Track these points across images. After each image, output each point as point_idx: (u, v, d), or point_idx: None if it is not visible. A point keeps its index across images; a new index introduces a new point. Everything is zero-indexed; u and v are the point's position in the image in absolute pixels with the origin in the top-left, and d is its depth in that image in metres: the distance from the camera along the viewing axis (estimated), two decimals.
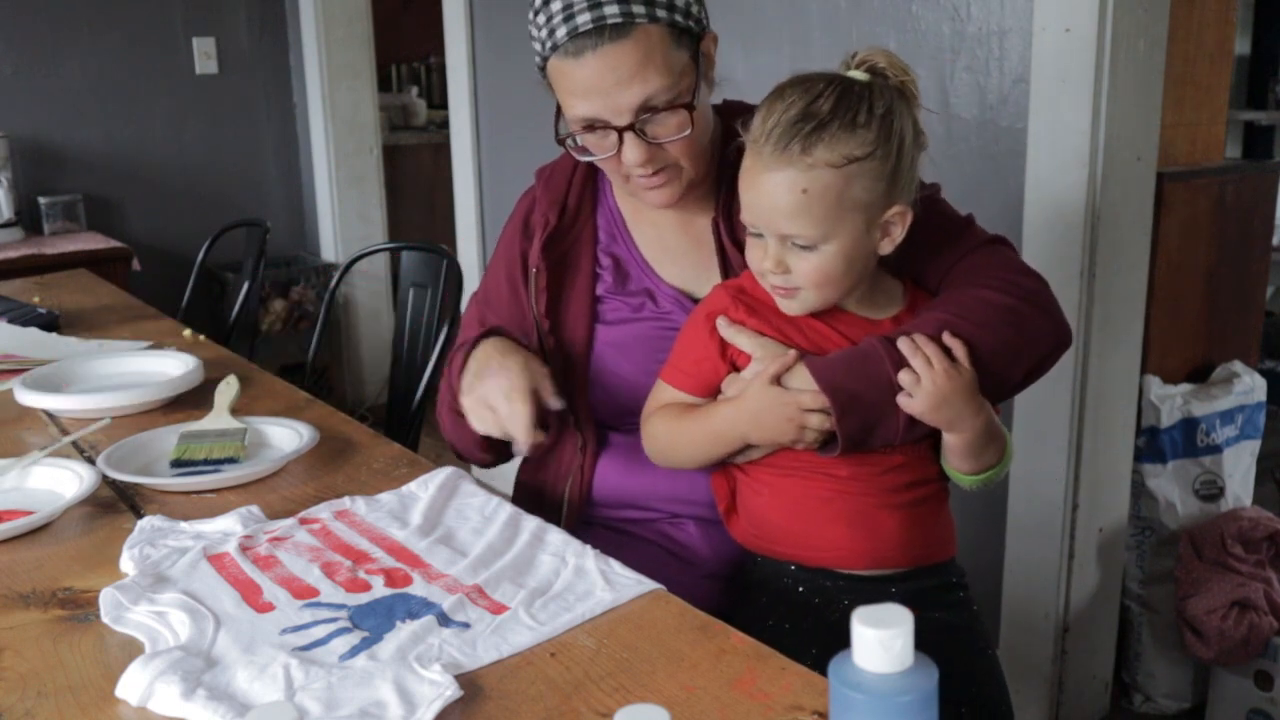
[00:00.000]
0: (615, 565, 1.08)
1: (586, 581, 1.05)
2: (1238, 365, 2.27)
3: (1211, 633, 2.04)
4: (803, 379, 1.15)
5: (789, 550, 1.23)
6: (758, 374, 1.16)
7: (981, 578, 2.05)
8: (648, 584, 1.04)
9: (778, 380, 1.15)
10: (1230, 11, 2.28)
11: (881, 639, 0.56)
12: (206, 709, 0.84)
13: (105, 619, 1.00)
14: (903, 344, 1.13)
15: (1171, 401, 2.14)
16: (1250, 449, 2.27)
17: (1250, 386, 2.24)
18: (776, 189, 1.12)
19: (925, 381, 1.11)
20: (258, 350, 3.91)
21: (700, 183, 1.34)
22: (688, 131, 1.25)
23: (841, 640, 1.18)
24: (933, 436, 1.20)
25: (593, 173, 1.43)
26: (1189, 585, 2.09)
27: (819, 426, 1.15)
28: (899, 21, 2.14)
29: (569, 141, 1.31)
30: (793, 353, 1.16)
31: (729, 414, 1.19)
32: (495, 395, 1.25)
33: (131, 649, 0.96)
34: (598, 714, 0.85)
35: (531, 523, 1.18)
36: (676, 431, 1.24)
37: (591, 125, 1.25)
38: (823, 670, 1.15)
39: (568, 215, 1.41)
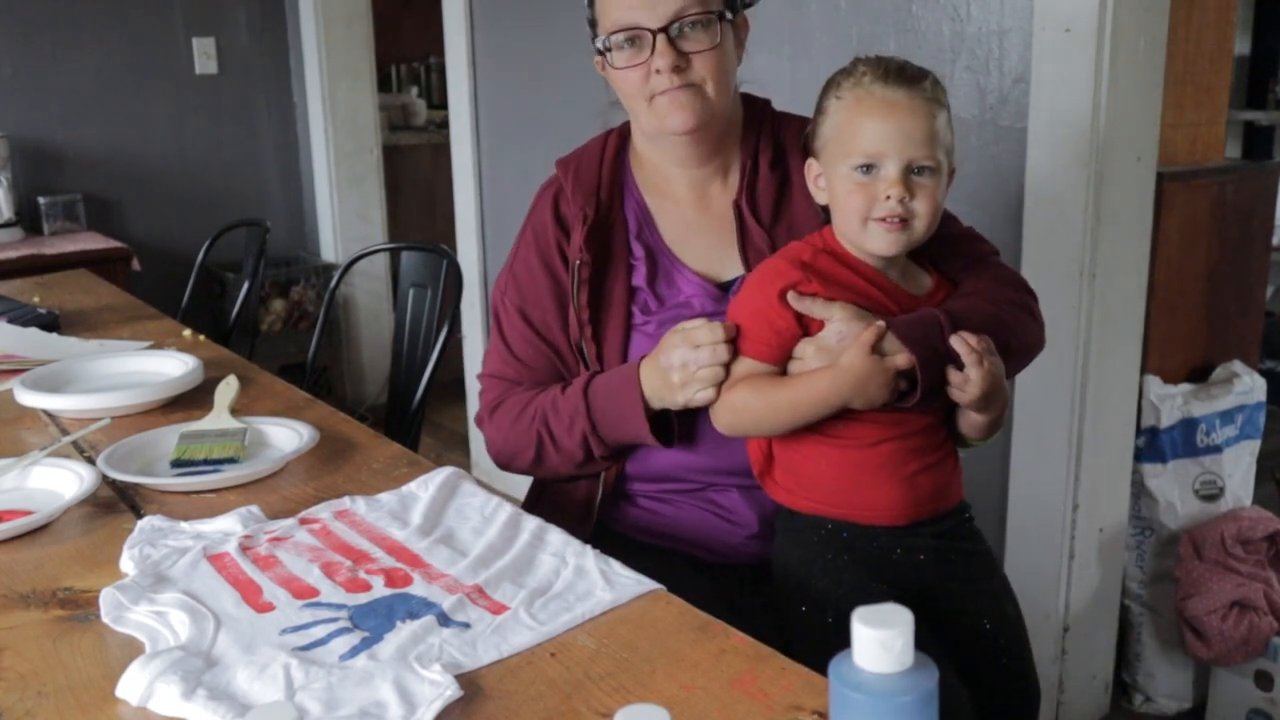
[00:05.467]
0: (615, 565, 1.08)
1: (587, 581, 1.05)
2: (1237, 365, 2.27)
3: (1212, 633, 2.04)
4: (890, 342, 1.22)
5: (838, 511, 1.30)
6: (857, 343, 1.22)
7: None
8: (648, 584, 1.04)
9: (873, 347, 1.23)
10: (1230, 11, 2.28)
11: (881, 639, 0.56)
12: (207, 709, 0.84)
13: (105, 619, 1.00)
14: (956, 341, 1.23)
15: (1171, 401, 2.14)
16: (1250, 449, 2.27)
17: (1250, 386, 2.24)
18: (914, 117, 1.23)
19: (975, 377, 1.23)
20: (257, 350, 3.91)
21: (718, 129, 1.40)
22: (716, 41, 1.33)
23: (877, 573, 1.26)
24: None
25: (619, 162, 1.48)
26: (1189, 585, 2.09)
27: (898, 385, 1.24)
28: (899, 21, 2.14)
29: (602, 52, 1.38)
30: (881, 322, 1.23)
31: (829, 381, 1.23)
32: (683, 344, 1.28)
33: (132, 649, 0.96)
34: (598, 714, 0.85)
35: (532, 523, 1.18)
36: (766, 402, 1.27)
37: (627, 33, 1.33)
38: (858, 601, 1.22)
39: (602, 206, 1.44)
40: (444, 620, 0.97)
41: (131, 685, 0.88)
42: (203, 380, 1.70)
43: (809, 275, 1.27)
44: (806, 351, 1.26)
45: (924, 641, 1.34)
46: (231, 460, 1.40)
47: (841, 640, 1.28)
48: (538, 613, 0.99)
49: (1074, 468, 2.03)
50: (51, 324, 2.11)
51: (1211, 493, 2.19)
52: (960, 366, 1.24)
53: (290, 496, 1.30)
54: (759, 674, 0.89)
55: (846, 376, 1.23)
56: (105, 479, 1.33)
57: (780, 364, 1.29)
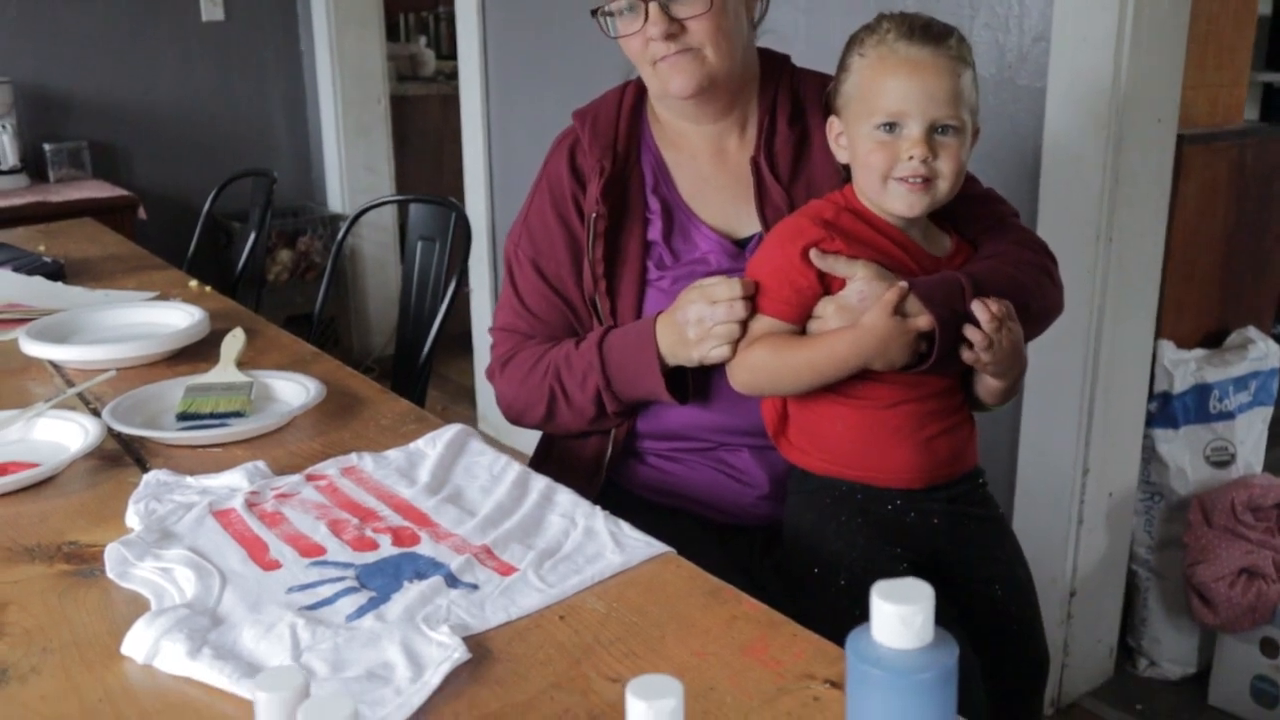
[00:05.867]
0: (625, 527, 1.07)
1: (596, 543, 1.04)
2: (1252, 331, 2.25)
3: (1219, 600, 2.04)
4: (912, 304, 1.21)
5: (854, 473, 1.29)
6: (880, 303, 1.21)
7: None
8: (658, 546, 1.03)
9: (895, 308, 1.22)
10: None
11: (902, 615, 0.55)
12: (213, 669, 0.83)
13: (110, 575, 0.99)
14: (977, 307, 1.21)
15: (1185, 367, 2.12)
16: (1263, 415, 2.26)
17: (1264, 353, 2.22)
18: (938, 75, 1.21)
19: (995, 344, 1.21)
20: (264, 301, 3.89)
21: (728, 87, 1.38)
22: (709, 6, 1.30)
23: (890, 537, 1.26)
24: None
25: (636, 115, 1.46)
26: (1197, 552, 2.08)
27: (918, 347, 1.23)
28: None
29: (601, 18, 1.36)
30: (904, 284, 1.21)
31: (852, 342, 1.22)
32: (700, 300, 1.27)
33: (137, 605, 0.95)
34: (607, 679, 0.84)
35: (540, 482, 1.17)
36: (786, 361, 1.26)
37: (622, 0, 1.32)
38: (871, 564, 1.24)
39: (619, 159, 1.42)
40: (452, 581, 0.96)
41: (137, 642, 0.87)
42: (209, 332, 1.68)
43: (831, 233, 1.25)
44: (827, 310, 1.25)
45: (936, 608, 1.34)
46: (238, 414, 1.39)
47: (854, 604, 1.29)
48: (546, 574, 0.98)
49: (1085, 432, 2.02)
50: (56, 273, 2.10)
51: (1223, 459, 2.18)
52: (980, 329, 1.23)
53: (297, 452, 1.29)
54: (770, 641, 0.88)
55: (868, 337, 1.21)
56: (111, 432, 1.31)
57: (800, 323, 1.28)
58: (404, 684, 0.82)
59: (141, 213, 3.54)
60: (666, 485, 1.47)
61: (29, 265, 2.09)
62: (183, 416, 1.39)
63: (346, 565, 1.00)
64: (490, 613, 0.92)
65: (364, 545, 1.03)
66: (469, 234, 2.16)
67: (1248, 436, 2.21)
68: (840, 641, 1.27)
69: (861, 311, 1.22)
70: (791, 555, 1.35)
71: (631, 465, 1.48)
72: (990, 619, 1.36)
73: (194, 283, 2.07)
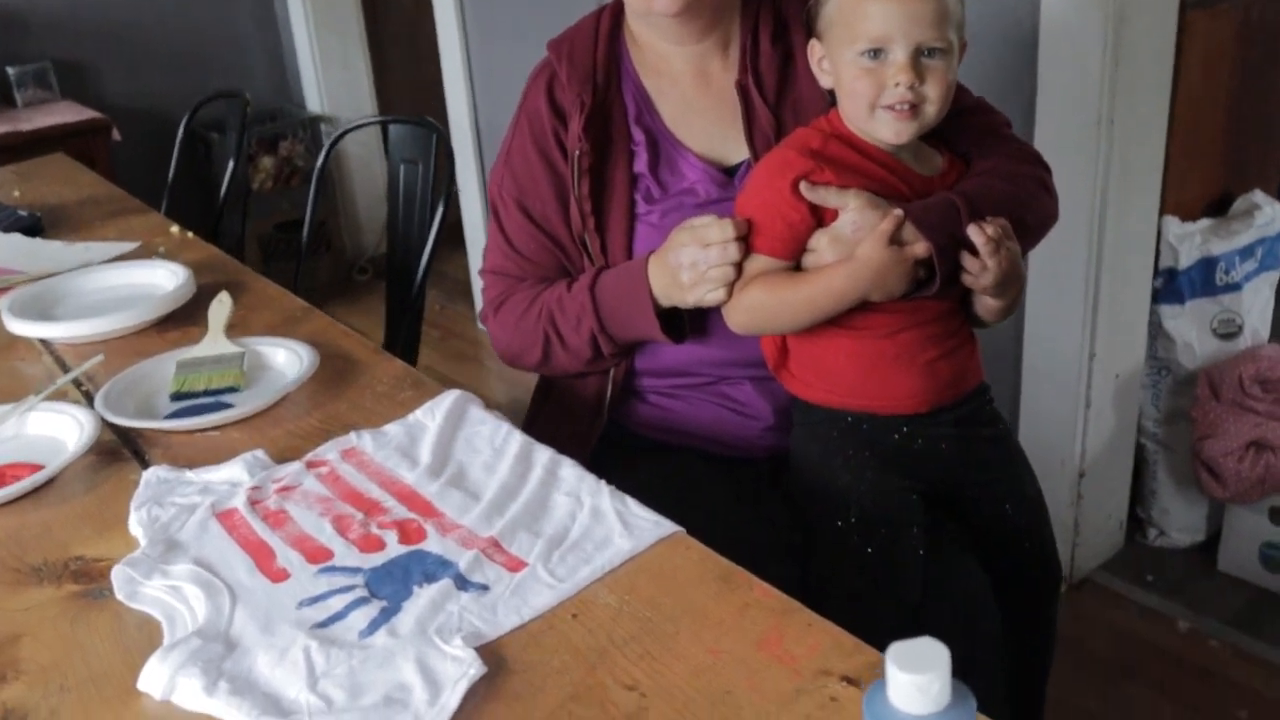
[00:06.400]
0: (631, 504, 1.05)
1: (604, 526, 1.03)
2: (1258, 195, 2.20)
3: (1228, 474, 2.04)
4: (907, 231, 1.18)
5: (858, 403, 1.28)
6: (874, 234, 1.18)
7: None
8: (666, 526, 1.02)
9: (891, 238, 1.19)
10: None
11: (918, 684, 0.54)
12: (230, 705, 0.83)
13: (119, 596, 0.99)
14: (972, 231, 1.18)
15: (1190, 241, 2.08)
16: (1269, 281, 2.23)
17: (1271, 217, 2.18)
18: None
19: (992, 265, 1.18)
20: (251, 212, 3.83)
21: (711, 3, 1.32)
22: None
23: (899, 469, 1.26)
24: None
25: (614, 41, 1.40)
26: (1206, 426, 2.08)
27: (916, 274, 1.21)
28: None
29: None
30: (899, 212, 1.18)
31: (848, 275, 1.20)
32: (692, 243, 1.23)
33: (150, 629, 0.95)
34: (624, 687, 0.84)
35: (544, 455, 1.15)
36: (783, 300, 1.23)
37: None
38: (881, 498, 1.25)
39: (599, 91, 1.37)
40: (462, 583, 0.96)
41: (153, 679, 0.87)
42: (195, 293, 1.65)
43: (820, 164, 1.21)
44: (821, 243, 1.22)
45: (945, 528, 1.34)
46: (232, 389, 1.37)
47: (865, 540, 1.29)
48: (556, 567, 0.97)
49: (1090, 318, 1.99)
50: (34, 227, 2.05)
51: (1230, 331, 2.15)
52: (976, 253, 1.20)
53: (294, 430, 1.28)
54: (784, 632, 0.88)
55: (864, 269, 1.18)
56: (105, 422, 1.30)
57: (794, 259, 1.24)
58: (422, 708, 0.82)
59: (116, 134, 3.45)
60: (669, 422, 1.46)
61: (6, 221, 2.04)
62: (177, 396, 1.37)
63: (355, 571, 0.99)
64: (503, 616, 0.92)
65: (370, 545, 1.03)
66: (451, 156, 2.10)
67: (1254, 304, 2.19)
68: (855, 585, 1.28)
69: (856, 243, 1.19)
70: (799, 490, 1.35)
71: (632, 404, 1.47)
72: (1001, 537, 1.37)
73: (175, 228, 2.03)
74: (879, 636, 1.28)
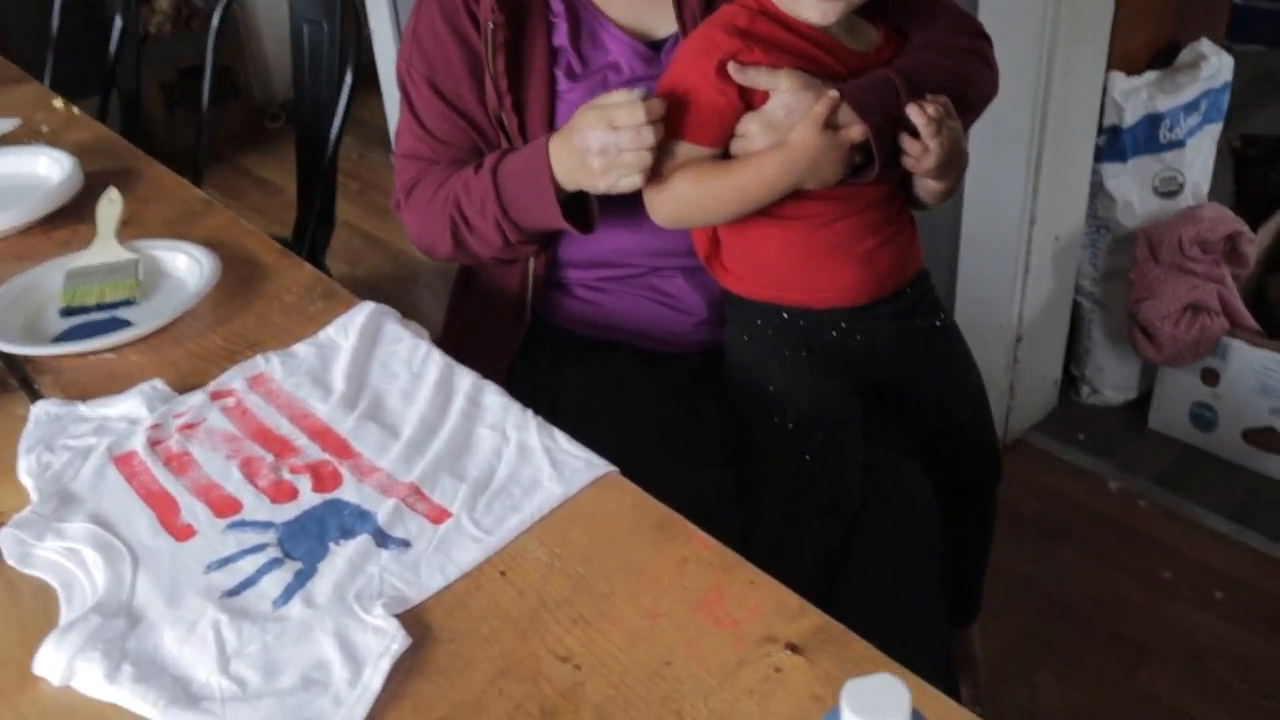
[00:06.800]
0: (561, 439, 0.99)
1: (532, 466, 0.97)
2: (1205, 45, 2.12)
3: (1164, 337, 2.03)
4: (843, 113, 1.11)
5: (794, 297, 1.22)
6: (808, 118, 1.10)
7: None
8: (597, 466, 0.96)
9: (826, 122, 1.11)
10: None
11: None
12: (135, 694, 0.78)
13: (10, 560, 0.92)
14: (912, 111, 1.10)
15: (1136, 97, 2.01)
16: (1212, 134, 2.17)
17: (1217, 68, 2.10)
18: None
19: (934, 147, 1.11)
20: (149, 56, 3.58)
21: None
22: None
23: (837, 369, 1.21)
24: None
25: None
26: (1143, 289, 2.06)
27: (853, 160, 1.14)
28: None
29: None
30: (834, 93, 1.10)
31: (781, 163, 1.12)
32: (600, 126, 1.12)
33: (46, 599, 0.89)
34: (557, 658, 0.80)
35: (465, 381, 1.08)
36: (711, 191, 1.15)
37: None
38: (820, 400, 1.20)
39: None
40: (381, 539, 0.90)
41: (49, 664, 0.81)
42: (83, 185, 1.52)
43: (748, 43, 1.12)
44: (751, 128, 1.14)
45: (885, 430, 1.31)
46: (127, 301, 1.28)
47: (803, 446, 1.25)
48: (482, 517, 0.92)
49: (1033, 183, 1.94)
50: None
51: (1171, 189, 2.11)
52: (915, 134, 1.12)
53: (196, 351, 1.19)
54: (725, 591, 0.83)
55: (798, 155, 1.11)
56: None
57: (722, 145, 1.16)
58: (343, 688, 0.78)
59: None
60: (597, 318, 1.39)
61: None
62: (67, 311, 1.27)
63: (266, 526, 0.92)
64: (426, 576, 0.87)
65: (282, 494, 0.96)
66: (358, 17, 1.94)
67: (1196, 160, 2.14)
68: (793, 491, 1.25)
69: (789, 127, 1.11)
70: (735, 393, 1.30)
71: (557, 298, 1.40)
72: (942, 430, 1.35)
73: (59, 102, 1.87)
74: (817, 547, 1.28)
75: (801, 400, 1.23)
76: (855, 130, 1.11)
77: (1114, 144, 2.05)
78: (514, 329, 1.38)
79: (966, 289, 2.08)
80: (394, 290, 3.08)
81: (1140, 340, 2.09)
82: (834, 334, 1.23)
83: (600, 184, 1.16)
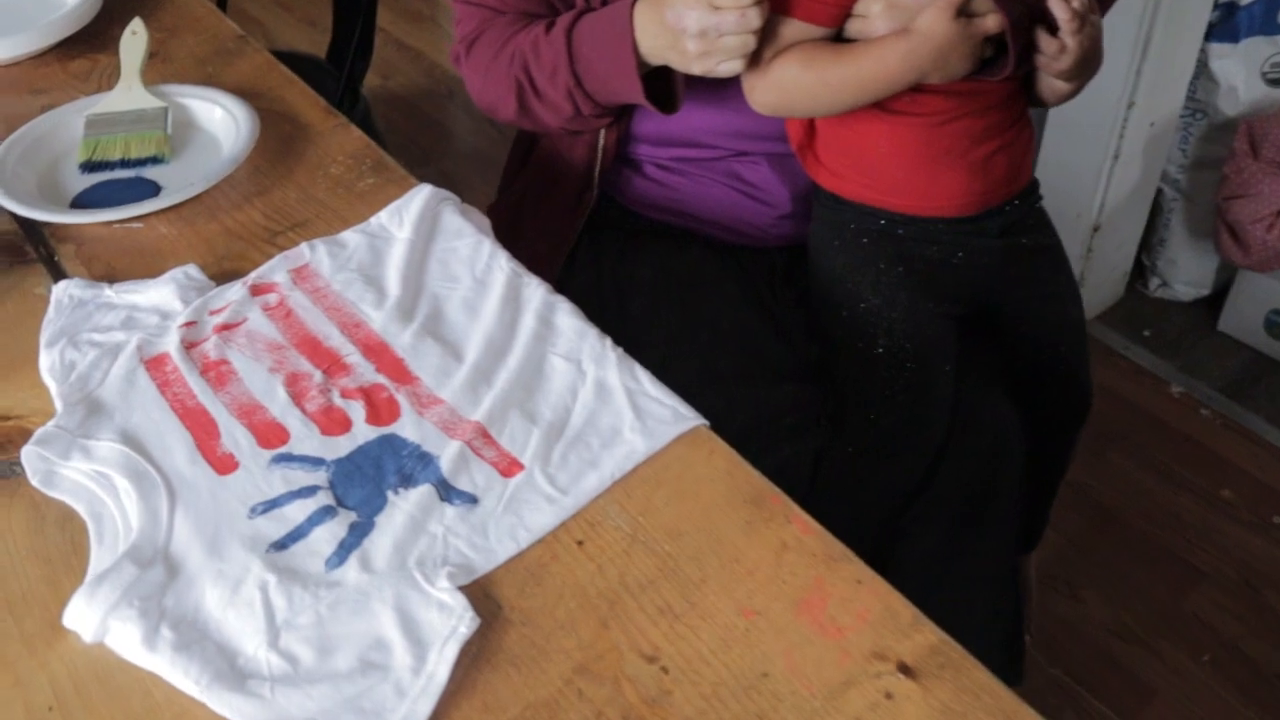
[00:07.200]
0: (644, 379, 0.89)
1: (611, 411, 0.86)
2: None
3: (1253, 241, 1.90)
4: (978, 1, 0.99)
5: (897, 201, 1.11)
6: (940, 3, 0.97)
7: None
8: (686, 418, 0.85)
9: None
10: None
11: None
12: (175, 666, 0.70)
13: (34, 481, 0.83)
14: (1055, 4, 0.97)
15: None
16: None
17: None
18: None
19: (1073, 45, 0.99)
20: None
21: None
22: None
23: (936, 290, 1.11)
24: None
25: None
26: (1237, 185, 1.91)
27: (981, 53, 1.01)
28: None
29: None
30: None
31: (905, 53, 0.99)
32: (699, 5, 0.98)
33: (73, 530, 0.80)
34: (642, 656, 0.71)
35: (535, 295, 0.96)
36: (823, 78, 1.03)
37: None
38: (914, 326, 1.10)
39: None
40: (445, 491, 0.81)
41: (80, 619, 0.73)
42: (101, 7, 1.37)
43: None
44: (873, 9, 1.01)
45: (974, 357, 1.20)
46: (154, 160, 1.15)
47: (894, 373, 1.14)
48: (556, 472, 0.82)
49: (1138, 62, 1.76)
50: None
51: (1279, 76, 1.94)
52: (1053, 29, 0.98)
53: (233, 228, 1.07)
54: (829, 590, 0.75)
55: (925, 46, 0.98)
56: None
57: (837, 25, 1.03)
58: (405, 676, 0.70)
59: None
60: (669, 201, 1.27)
61: None
62: (88, 166, 1.15)
63: (317, 463, 0.83)
64: (495, 541, 0.78)
65: (334, 424, 0.86)
66: None
67: None
68: (878, 424, 1.16)
69: (917, 10, 0.98)
70: (818, 305, 1.19)
71: (628, 176, 1.27)
72: (1037, 361, 1.26)
73: None
74: (897, 481, 1.19)
75: (895, 323, 1.12)
76: (991, 20, 0.98)
77: (1227, 22, 1.87)
78: (579, 206, 1.26)
79: (1048, 176, 1.90)
80: (427, 106, 2.91)
81: (1225, 241, 1.95)
82: (934, 248, 1.12)
83: (695, 68, 1.03)
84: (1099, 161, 1.87)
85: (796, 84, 1.04)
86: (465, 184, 2.50)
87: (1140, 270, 2.20)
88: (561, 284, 1.21)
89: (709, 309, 1.22)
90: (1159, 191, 2.08)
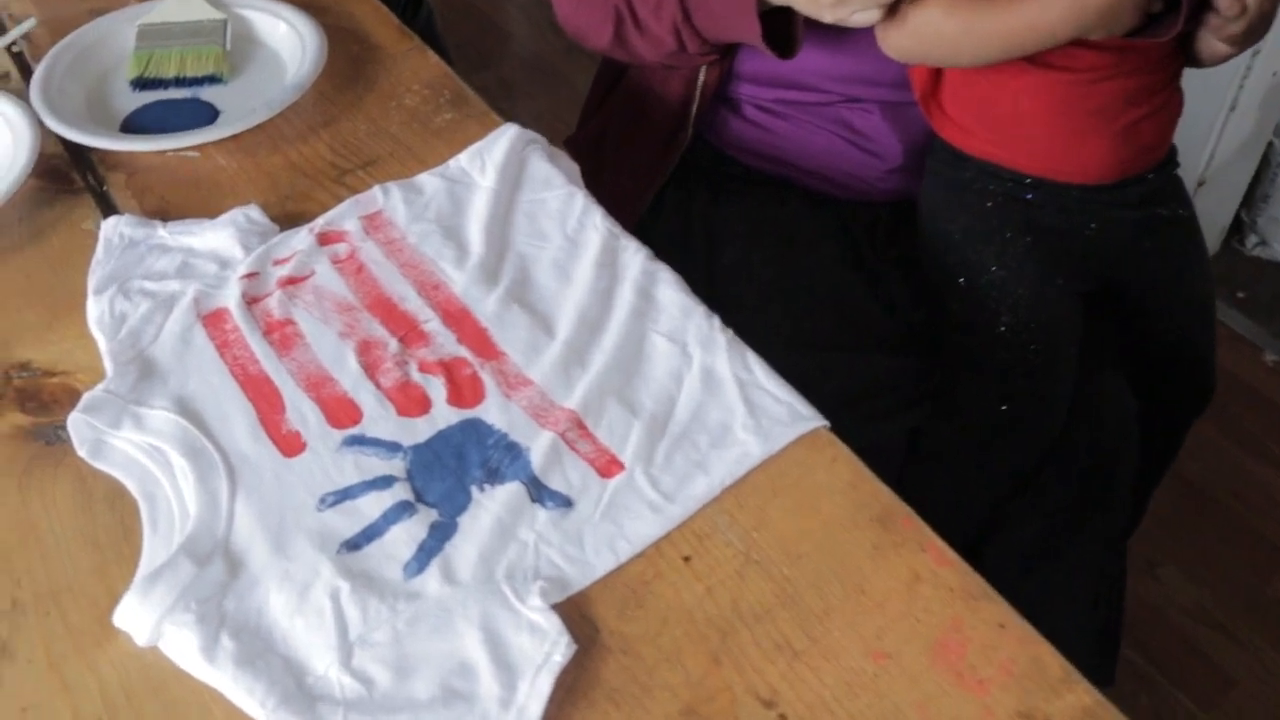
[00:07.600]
0: (758, 370, 0.79)
1: (721, 405, 0.77)
2: None
3: None
4: None
5: (1032, 163, 1.00)
6: None
7: None
8: (806, 418, 0.76)
9: None
10: None
11: None
12: (237, 682, 0.63)
13: (80, 451, 0.75)
14: None
15: None
16: None
17: None
18: None
19: (1253, 5, 0.88)
20: None
21: None
22: None
23: (1065, 264, 1.02)
24: None
25: None
26: None
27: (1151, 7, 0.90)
28: None
29: None
30: None
31: (1067, 6, 0.88)
32: None
33: (124, 510, 0.73)
34: (759, 700, 0.63)
35: (634, 261, 0.87)
36: (971, 28, 0.92)
37: None
38: (1040, 302, 1.00)
39: None
40: (536, 490, 0.72)
41: (132, 620, 0.66)
42: None
43: None
44: None
45: (1095, 336, 1.10)
46: (211, 79, 1.05)
47: (1017, 356, 1.04)
48: (661, 474, 0.73)
49: None
50: None
51: None
52: None
53: (297, 162, 0.98)
54: (968, 633, 0.66)
55: (1091, 1, 0.87)
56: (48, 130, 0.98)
57: None
58: (493, 708, 0.62)
59: None
60: (769, 147, 1.16)
61: None
62: (140, 83, 1.05)
63: (393, 449, 0.75)
64: (592, 552, 0.70)
65: (412, 403, 0.77)
66: None
67: None
68: (994, 409, 1.06)
69: None
70: (932, 271, 1.09)
71: (725, 117, 1.17)
72: (1162, 343, 1.16)
73: None
74: (1007, 468, 1.10)
75: (1020, 299, 1.02)
76: None
77: None
78: (670, 146, 1.16)
79: None
80: (485, 5, 2.77)
81: None
82: (1064, 218, 1.01)
83: (826, 16, 0.92)
84: (1214, 112, 1.74)
85: (939, 32, 0.92)
86: (524, 91, 2.38)
87: (1238, 226, 2.07)
88: (644, 229, 1.12)
89: (805, 267, 1.12)
90: (1270, 145, 1.94)
